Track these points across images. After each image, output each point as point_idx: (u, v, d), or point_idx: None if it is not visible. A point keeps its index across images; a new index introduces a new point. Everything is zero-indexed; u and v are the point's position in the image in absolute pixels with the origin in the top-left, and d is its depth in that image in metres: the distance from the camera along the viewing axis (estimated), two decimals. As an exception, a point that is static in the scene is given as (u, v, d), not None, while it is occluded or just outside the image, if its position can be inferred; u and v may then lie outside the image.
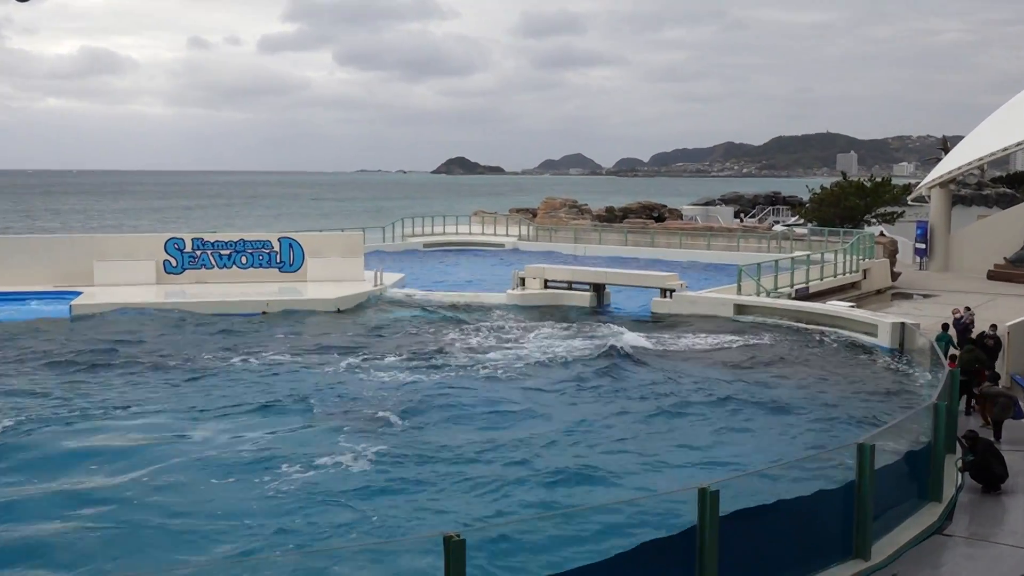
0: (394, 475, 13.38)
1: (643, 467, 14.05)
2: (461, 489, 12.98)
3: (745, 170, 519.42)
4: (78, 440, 14.95)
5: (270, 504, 12.24)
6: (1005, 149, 39.77)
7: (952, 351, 19.05)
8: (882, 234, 43.17)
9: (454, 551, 7.08)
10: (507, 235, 52.33)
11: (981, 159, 41.02)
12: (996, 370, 18.02)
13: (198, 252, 32.44)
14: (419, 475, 13.40)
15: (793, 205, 73.88)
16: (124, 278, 30.96)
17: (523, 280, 31.11)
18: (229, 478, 13.18)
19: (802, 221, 58.57)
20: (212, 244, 32.71)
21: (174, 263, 32.22)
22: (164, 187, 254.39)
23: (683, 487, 11.66)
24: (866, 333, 24.20)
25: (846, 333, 24.68)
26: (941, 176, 42.32)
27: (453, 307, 28.95)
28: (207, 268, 32.45)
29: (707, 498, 8.47)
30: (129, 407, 16.90)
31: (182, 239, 32.73)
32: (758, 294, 28.88)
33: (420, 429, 15.80)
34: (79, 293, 29.19)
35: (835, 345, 23.85)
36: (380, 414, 16.55)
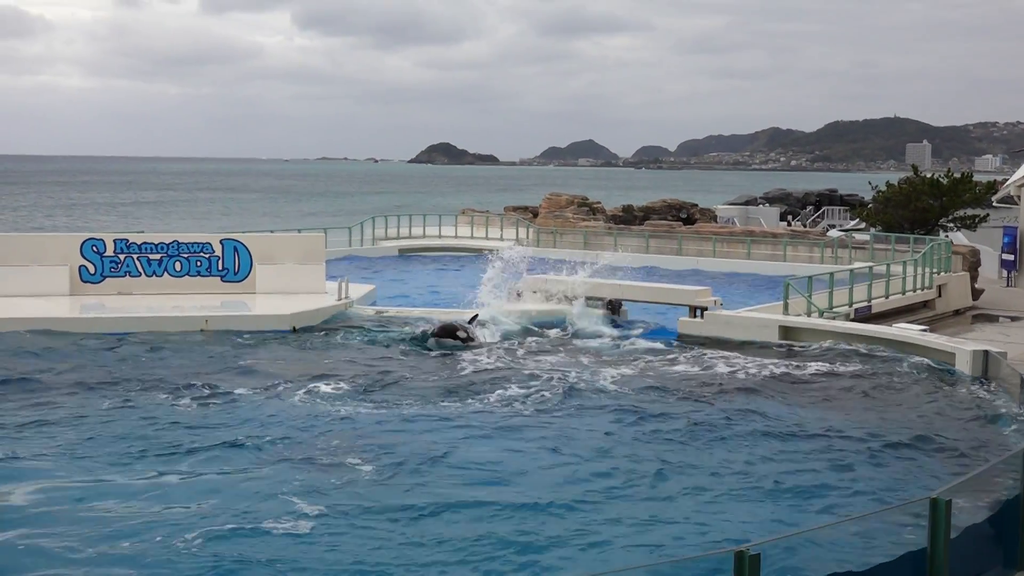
0: (354, 537, 13.27)
1: (661, 523, 14.01)
2: (441, 553, 12.91)
3: (794, 162, 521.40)
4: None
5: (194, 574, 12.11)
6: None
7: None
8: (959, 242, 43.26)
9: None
10: (502, 239, 52.32)
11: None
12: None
13: (121, 256, 32.39)
14: (384, 536, 13.32)
15: (852, 205, 74.19)
16: (29, 288, 30.89)
17: (520, 294, 31.11)
18: (142, 540, 13.03)
19: (863, 225, 58.72)
20: (139, 247, 32.67)
21: (92, 270, 32.18)
22: (81, 176, 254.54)
23: (713, 550, 11.62)
24: (941, 363, 24.19)
25: (917, 362, 24.66)
26: (1034, 171, 42.50)
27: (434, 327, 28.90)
28: (132, 276, 32.40)
29: (745, 564, 8.42)
30: (18, 457, 16.73)
31: (102, 240, 32.69)
32: (809, 314, 28.89)
33: (388, 479, 15.73)
34: (-26, 305, 29.11)
35: (903, 378, 23.81)
36: (339, 460, 16.47)
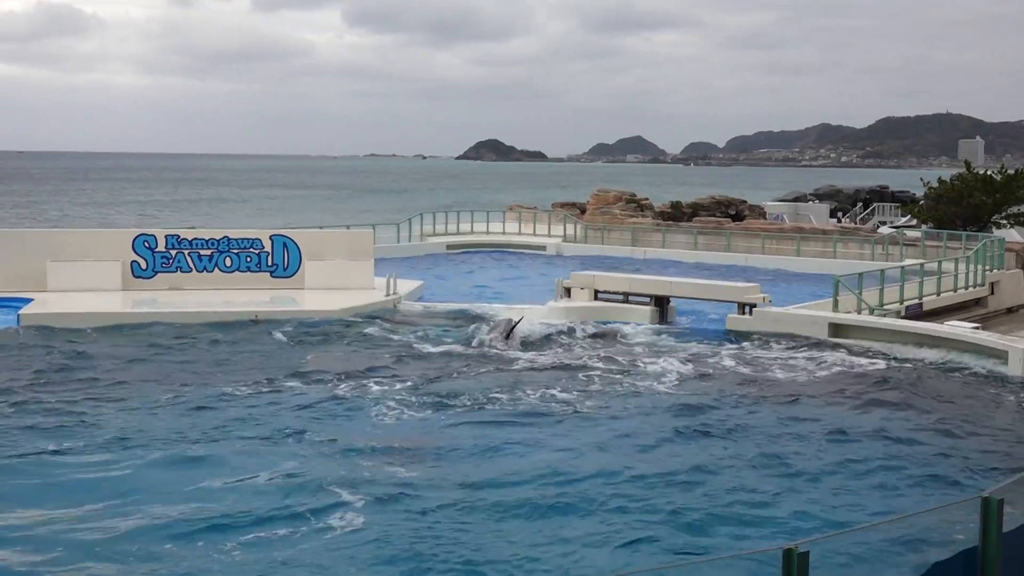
0: (400, 539, 13.27)
1: (715, 520, 13.96)
2: (489, 558, 12.89)
3: (844, 158, 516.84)
4: (9, 480, 15.08)
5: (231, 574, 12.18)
6: None
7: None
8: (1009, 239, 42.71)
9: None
10: (549, 235, 52.39)
11: None
12: None
13: (173, 252, 32.76)
14: (431, 538, 13.30)
15: (904, 202, 73.49)
16: (84, 282, 31.33)
17: (568, 290, 31.12)
18: (186, 533, 13.14)
19: (915, 222, 58.17)
20: (190, 242, 33.03)
21: (144, 265, 32.56)
22: (134, 172, 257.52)
23: (762, 547, 11.57)
24: (994, 360, 23.94)
25: (969, 360, 24.42)
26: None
27: (481, 322, 28.96)
28: (183, 272, 32.76)
29: (794, 561, 8.37)
30: (76, 444, 16.97)
31: (154, 236, 33.08)
32: (859, 311, 28.67)
33: (436, 475, 15.74)
34: (29, 300, 29.60)
35: (955, 375, 23.61)
36: (387, 459, 16.51)
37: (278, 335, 26.89)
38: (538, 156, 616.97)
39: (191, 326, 27.48)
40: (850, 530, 12.40)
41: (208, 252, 33.05)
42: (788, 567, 8.34)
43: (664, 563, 12.42)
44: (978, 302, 34.56)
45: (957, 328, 26.47)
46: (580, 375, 23.02)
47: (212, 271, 32.96)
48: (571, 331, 28.02)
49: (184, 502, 14.32)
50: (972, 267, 34.52)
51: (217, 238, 33.37)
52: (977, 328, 26.70)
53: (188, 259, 32.86)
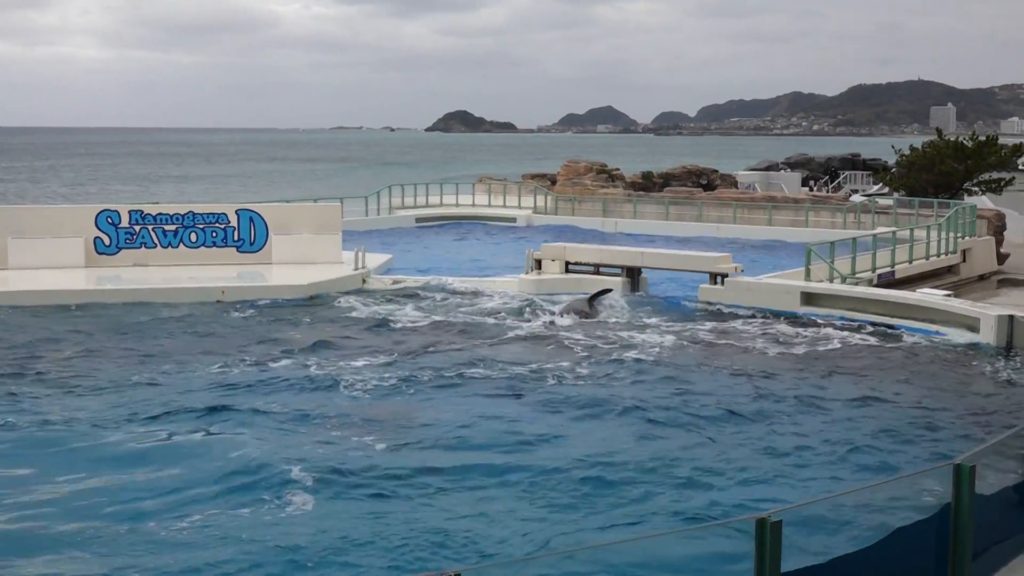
0: (355, 512, 13.22)
1: (685, 490, 14.03)
2: (459, 522, 12.93)
3: (816, 127, 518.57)
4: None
5: (173, 552, 12.09)
6: None
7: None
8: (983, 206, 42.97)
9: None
10: (519, 207, 52.38)
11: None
12: None
13: (137, 228, 32.52)
14: (387, 514, 13.27)
15: (875, 170, 73.70)
16: (45, 260, 31.07)
17: (539, 262, 31.10)
18: (136, 519, 13.05)
19: (886, 190, 58.40)
20: (154, 218, 32.79)
21: (107, 241, 32.31)
22: (97, 147, 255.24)
23: (735, 517, 11.63)
24: (966, 328, 24.12)
25: (941, 328, 24.59)
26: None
27: (451, 296, 28.94)
28: (148, 248, 32.55)
29: (767, 529, 8.40)
30: (36, 421, 16.87)
31: (117, 212, 32.82)
32: (831, 280, 28.79)
33: (395, 452, 15.69)
34: (-10, 278, 29.29)
35: (926, 343, 23.77)
36: (345, 434, 16.46)
37: (245, 311, 26.80)
38: (508, 127, 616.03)
39: (156, 303, 27.33)
40: (822, 497, 12.47)
41: (173, 228, 32.81)
42: (761, 536, 8.38)
43: (638, 534, 12.47)
44: (950, 269, 34.77)
45: (929, 296, 26.63)
46: (550, 348, 23.03)
47: (177, 247, 32.75)
48: (542, 304, 28.02)
49: (138, 482, 14.28)
50: (944, 235, 34.71)
51: (182, 213, 33.14)
52: (949, 296, 26.88)
53: (152, 235, 32.63)
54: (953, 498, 10.25)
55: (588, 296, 27.73)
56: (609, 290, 28.51)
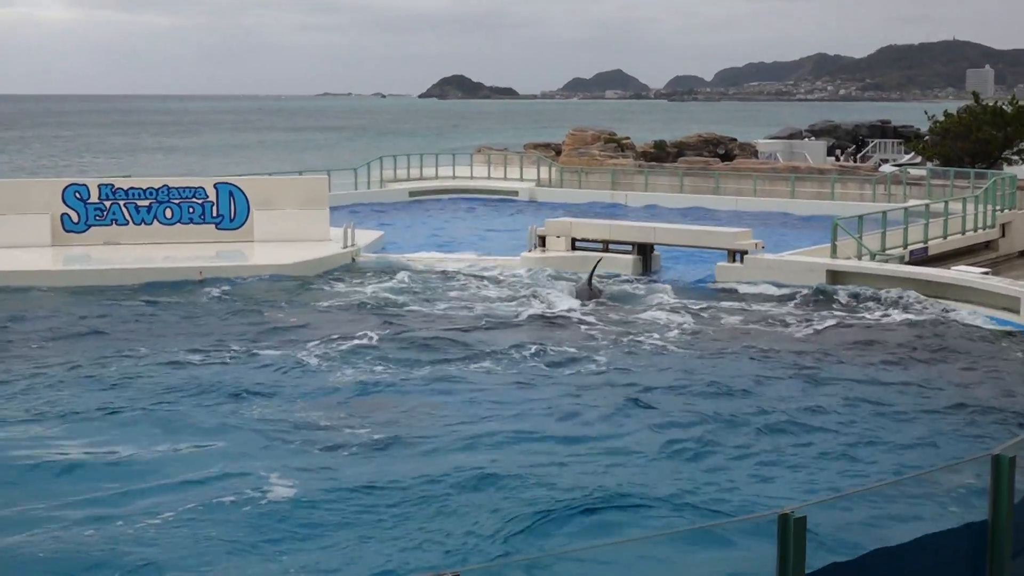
0: (334, 514, 13.19)
1: (703, 484, 14.05)
2: (458, 520, 12.95)
3: (843, 91, 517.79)
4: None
5: (135, 547, 12.13)
6: None
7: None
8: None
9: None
10: (521, 180, 52.27)
11: None
12: None
13: (107, 203, 32.47)
14: (365, 512, 13.26)
15: (907, 138, 73.58)
16: (8, 238, 31.02)
17: (543, 239, 31.07)
18: (113, 506, 13.14)
19: (919, 159, 58.35)
20: (126, 192, 32.74)
21: (75, 218, 32.28)
22: (64, 116, 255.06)
23: (757, 513, 11.65)
24: (1005, 309, 24.10)
25: (977, 309, 24.58)
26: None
27: (448, 275, 28.94)
28: (119, 225, 32.50)
29: (790, 526, 8.41)
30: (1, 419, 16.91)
31: (86, 186, 32.77)
32: (859, 257, 28.78)
33: (387, 444, 15.70)
34: (-51, 258, 29.27)
35: (962, 325, 23.75)
36: (332, 426, 16.45)
37: (225, 293, 26.81)
38: (508, 93, 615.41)
39: (128, 285, 27.32)
40: (849, 492, 12.48)
41: (146, 203, 32.75)
42: (784, 533, 8.39)
43: (657, 530, 12.48)
44: (988, 245, 34.70)
45: (965, 274, 26.60)
46: (553, 332, 23.01)
47: (151, 224, 32.69)
48: (545, 284, 28.01)
49: (105, 476, 14.30)
50: (981, 207, 34.62)
51: (156, 187, 33.07)
52: (987, 273, 26.84)
53: (124, 211, 32.58)
54: (991, 491, 10.25)
55: (587, 278, 27.61)
56: (599, 260, 28.37)
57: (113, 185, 33.07)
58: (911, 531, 10.42)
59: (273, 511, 13.16)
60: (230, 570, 11.78)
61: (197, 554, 12.02)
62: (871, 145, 76.25)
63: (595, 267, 27.82)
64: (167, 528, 12.64)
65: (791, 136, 79.71)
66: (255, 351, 21.08)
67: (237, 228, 33.17)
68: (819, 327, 23.62)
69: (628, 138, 61.12)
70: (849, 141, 79.29)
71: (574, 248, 30.73)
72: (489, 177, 52.99)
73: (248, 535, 12.51)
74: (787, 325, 23.85)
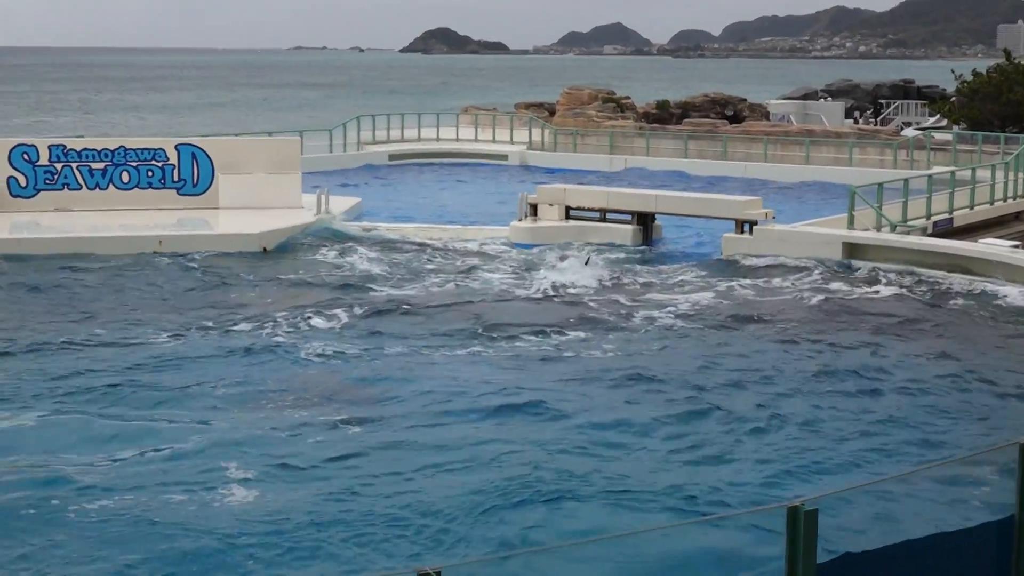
0: (303, 508, 13.20)
1: (710, 474, 14.09)
2: (418, 524, 12.92)
3: (862, 48, 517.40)
4: None
5: (105, 544, 12.12)
6: None
7: None
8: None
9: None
10: (512, 143, 52.26)
11: None
12: None
13: (58, 165, 32.36)
14: (357, 501, 13.32)
15: (932, 99, 73.55)
16: (-50, 204, 30.95)
17: (535, 208, 31.04)
18: (62, 506, 13.10)
19: (944, 122, 58.33)
20: (78, 154, 32.63)
21: (23, 182, 32.16)
22: (11, 70, 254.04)
23: (765, 505, 11.68)
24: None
25: (1005, 286, 24.61)
26: None
27: (431, 247, 28.91)
28: (72, 189, 32.40)
29: (800, 519, 8.43)
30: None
31: (34, 147, 32.65)
32: (879, 228, 28.80)
33: (365, 431, 15.71)
34: None
35: (988, 303, 23.80)
36: (305, 411, 16.47)
37: (186, 265, 26.76)
38: (498, 48, 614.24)
39: (82, 255, 27.25)
40: (863, 484, 12.50)
41: (101, 166, 32.64)
42: (793, 526, 8.41)
43: (664, 523, 12.52)
44: (1018, 216, 34.75)
45: (993, 247, 26.65)
46: (545, 308, 23.05)
47: (106, 188, 32.57)
48: (537, 255, 28.03)
49: (57, 465, 14.28)
50: (1011, 175, 34.68)
51: (112, 148, 32.94)
52: (1017, 247, 26.88)
53: (77, 174, 32.46)
54: (1018, 482, 10.28)
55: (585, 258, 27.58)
56: (587, 259, 28.21)
57: (65, 146, 32.94)
58: (930, 524, 10.47)
59: (237, 502, 13.18)
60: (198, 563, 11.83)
61: (150, 547, 12.04)
62: (893, 107, 76.16)
63: (587, 262, 27.66)
64: (127, 521, 12.65)
65: (806, 96, 79.60)
66: (218, 329, 21.07)
67: (200, 194, 33.07)
68: (834, 306, 23.62)
69: (628, 98, 61.09)
70: (869, 102, 79.17)
71: (568, 217, 30.67)
72: (476, 140, 52.94)
73: (210, 526, 12.53)
74: (799, 303, 23.86)
